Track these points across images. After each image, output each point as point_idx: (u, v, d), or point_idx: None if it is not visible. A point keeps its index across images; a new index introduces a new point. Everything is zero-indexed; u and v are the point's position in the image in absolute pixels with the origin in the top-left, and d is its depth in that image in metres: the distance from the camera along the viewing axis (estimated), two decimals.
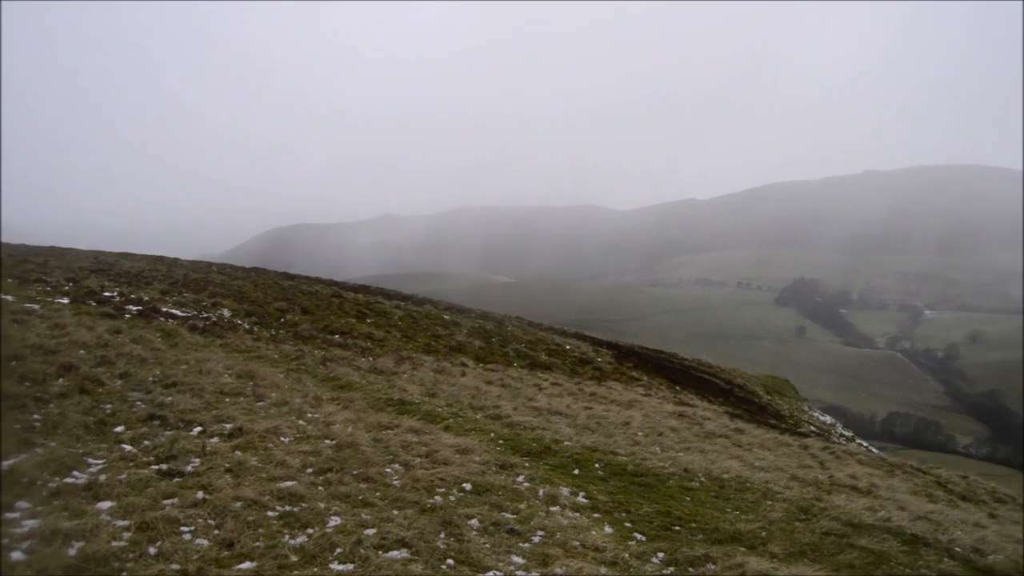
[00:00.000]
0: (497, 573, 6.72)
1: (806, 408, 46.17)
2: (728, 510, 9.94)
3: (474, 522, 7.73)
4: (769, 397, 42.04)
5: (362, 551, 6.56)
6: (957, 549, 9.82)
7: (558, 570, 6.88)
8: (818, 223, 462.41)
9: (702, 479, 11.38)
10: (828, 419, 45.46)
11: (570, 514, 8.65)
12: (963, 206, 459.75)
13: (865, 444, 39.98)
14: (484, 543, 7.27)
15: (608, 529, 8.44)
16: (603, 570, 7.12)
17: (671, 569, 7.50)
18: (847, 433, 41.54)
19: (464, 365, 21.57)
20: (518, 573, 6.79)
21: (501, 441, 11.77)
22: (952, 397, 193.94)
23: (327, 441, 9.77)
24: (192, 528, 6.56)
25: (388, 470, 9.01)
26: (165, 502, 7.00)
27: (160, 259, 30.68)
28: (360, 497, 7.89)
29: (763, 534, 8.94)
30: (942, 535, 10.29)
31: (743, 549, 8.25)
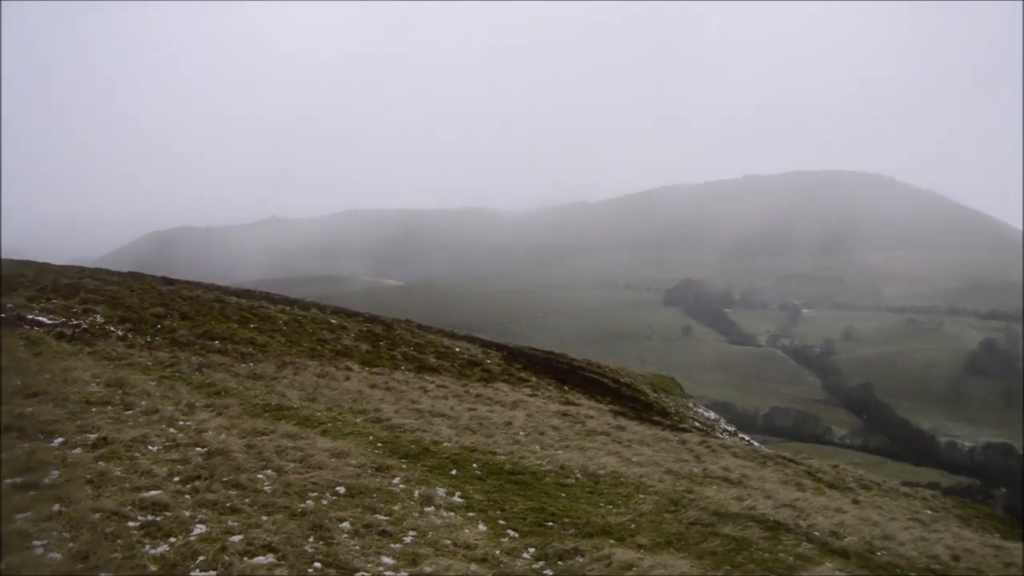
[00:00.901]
0: (365, 574, 6.73)
1: (691, 405, 47.38)
2: (601, 504, 10.20)
3: (345, 525, 7.71)
4: (655, 395, 42.99)
5: (226, 558, 6.47)
6: (816, 533, 10.34)
7: (427, 568, 6.94)
8: (702, 226, 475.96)
9: (578, 475, 11.63)
10: (712, 415, 46.78)
11: (445, 514, 8.72)
12: (840, 210, 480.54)
13: (747, 438, 41.36)
14: (354, 545, 7.27)
15: (482, 527, 8.54)
16: (473, 567, 7.21)
17: (541, 563, 7.65)
18: (730, 428, 42.80)
19: (349, 369, 21.38)
20: (387, 573, 6.82)
21: (380, 444, 11.74)
22: (828, 391, 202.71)
23: (198, 449, 9.55)
24: (45, 542, 6.33)
25: (260, 476, 8.88)
26: (18, 516, 6.73)
27: (27, 264, 29.25)
28: (228, 504, 7.76)
29: (632, 526, 9.21)
30: (803, 521, 10.81)
31: (612, 541, 8.48)
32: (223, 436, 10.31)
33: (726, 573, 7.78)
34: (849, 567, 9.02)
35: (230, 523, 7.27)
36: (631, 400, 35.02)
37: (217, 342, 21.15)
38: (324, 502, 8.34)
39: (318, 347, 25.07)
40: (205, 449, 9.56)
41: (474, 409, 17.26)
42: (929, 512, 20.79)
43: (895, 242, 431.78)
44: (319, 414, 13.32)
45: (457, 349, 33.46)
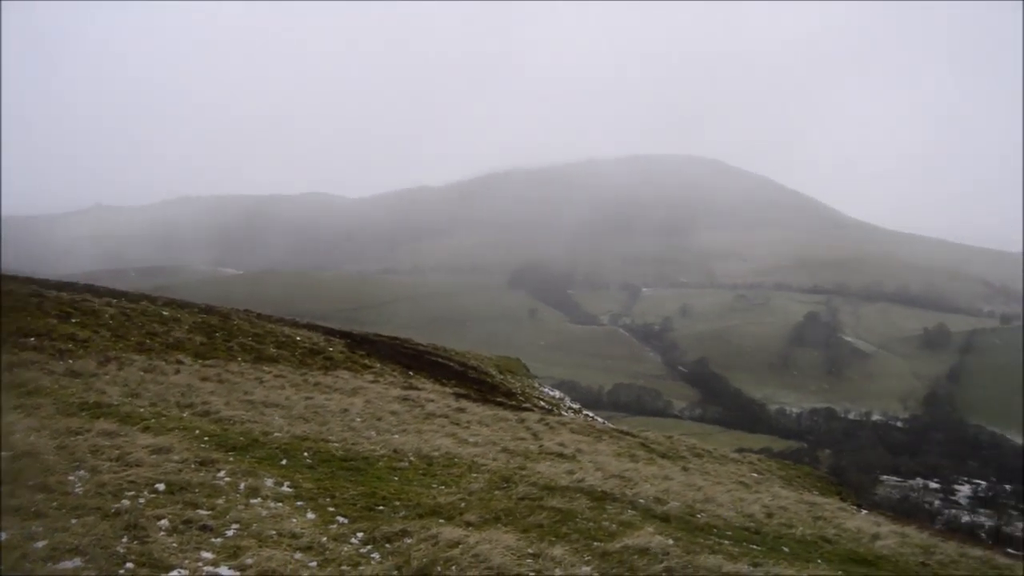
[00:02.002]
0: (182, 571, 6.53)
1: (537, 385, 48.28)
2: (433, 486, 10.27)
3: (163, 522, 7.44)
4: (502, 376, 43.52)
5: (28, 564, 6.12)
6: (641, 501, 10.78)
7: (248, 560, 6.80)
8: (545, 209, 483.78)
9: (412, 458, 11.67)
10: (557, 394, 47.83)
11: (272, 504, 8.55)
12: (678, 193, 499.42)
13: (591, 415, 42.56)
14: (172, 542, 7.03)
15: (310, 515, 8.44)
16: (298, 555, 7.13)
17: (368, 547, 7.65)
18: (575, 406, 43.87)
19: (180, 362, 20.60)
20: (205, 568, 6.64)
21: (207, 438, 11.36)
22: (668, 366, 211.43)
23: (3, 454, 8.96)
24: None
25: (72, 477, 8.43)
26: None
27: None
28: (33, 509, 7.33)
29: (462, 504, 9.33)
30: (629, 490, 11.25)
31: (441, 520, 8.57)
32: (32, 438, 9.71)
33: (548, 543, 8.00)
34: (668, 530, 9.46)
35: (34, 528, 6.87)
36: (477, 382, 35.32)
37: (33, 339, 19.86)
38: (141, 501, 8.01)
39: (147, 341, 23.96)
40: (11, 453, 8.98)
41: (311, 398, 16.99)
42: (755, 475, 22.05)
43: (728, 223, 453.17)
44: (141, 410, 12.75)
45: (298, 338, 32.75)
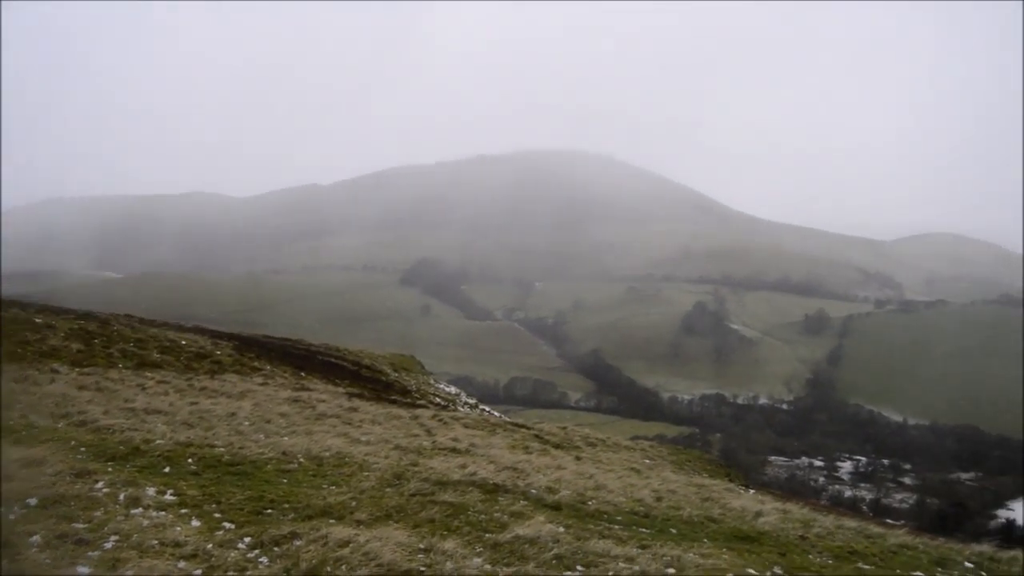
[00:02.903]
0: None
1: (432, 381, 48.16)
2: (323, 486, 10.13)
3: (36, 538, 7.11)
4: (396, 374, 43.23)
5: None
6: (533, 491, 10.90)
7: (128, 572, 6.58)
8: (437, 206, 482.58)
9: (301, 460, 11.48)
10: (453, 389, 47.82)
11: (154, 514, 8.28)
12: (569, 188, 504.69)
13: (487, 409, 42.72)
14: (44, 558, 6.72)
15: (195, 523, 8.20)
16: (181, 564, 6.93)
17: (256, 551, 7.49)
18: (471, 401, 43.93)
19: (55, 371, 19.71)
20: None
21: (83, 448, 10.91)
22: (563, 358, 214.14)
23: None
24: None
25: None
26: None
27: None
28: None
29: (353, 504, 9.24)
30: (522, 481, 11.35)
31: (332, 521, 8.46)
32: None
33: (439, 537, 8.01)
34: (559, 518, 9.59)
35: None
36: (371, 381, 35.02)
37: None
38: (12, 517, 7.63)
39: (19, 350, 22.83)
40: None
41: (196, 403, 16.52)
42: (647, 461, 22.53)
43: (619, 217, 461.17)
44: (12, 423, 12.15)
45: (184, 342, 31.74)
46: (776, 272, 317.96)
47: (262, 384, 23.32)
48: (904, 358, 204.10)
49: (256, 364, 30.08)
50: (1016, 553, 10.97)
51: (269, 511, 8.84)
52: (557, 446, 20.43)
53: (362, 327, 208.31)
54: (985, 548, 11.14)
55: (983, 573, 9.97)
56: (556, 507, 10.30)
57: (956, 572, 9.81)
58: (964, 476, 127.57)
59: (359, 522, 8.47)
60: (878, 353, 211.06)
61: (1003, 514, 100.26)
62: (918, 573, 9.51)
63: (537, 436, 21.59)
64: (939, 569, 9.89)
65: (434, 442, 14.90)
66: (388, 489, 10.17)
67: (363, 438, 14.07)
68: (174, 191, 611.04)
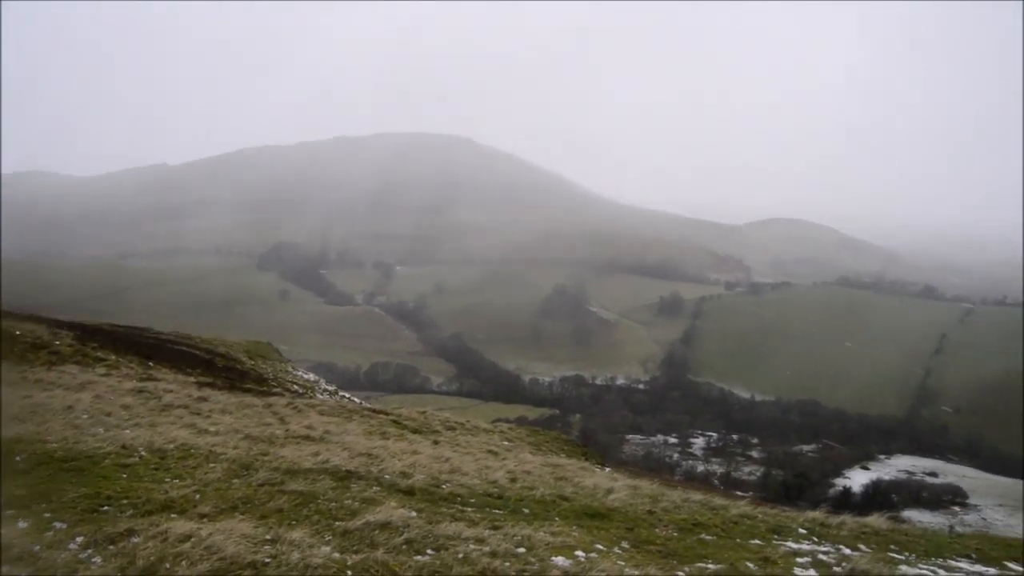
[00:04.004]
0: None
1: (290, 369, 47.24)
2: (166, 480, 9.75)
3: None
4: (252, 362, 42.18)
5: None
6: (386, 477, 10.83)
7: None
8: (295, 188, 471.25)
9: (143, 453, 11.00)
10: (312, 376, 47.07)
11: None
12: (431, 171, 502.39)
13: (348, 395, 42.25)
14: None
15: (21, 524, 7.72)
16: (5, 568, 6.53)
17: (89, 551, 7.13)
18: (330, 388, 43.36)
19: None
20: None
21: None
22: (425, 343, 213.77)
23: None
24: None
25: None
26: None
27: None
28: None
29: (197, 497, 8.93)
30: (375, 467, 11.25)
31: (173, 515, 8.15)
32: None
33: (287, 527, 7.85)
34: (411, 503, 9.57)
35: None
36: (224, 370, 34.02)
37: None
38: None
39: None
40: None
41: (29, 396, 15.56)
42: (506, 443, 22.79)
43: (481, 201, 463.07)
44: None
45: (18, 332, 29.87)
46: (634, 256, 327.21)
47: (105, 375, 22.25)
48: (752, 338, 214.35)
49: (99, 354, 28.64)
50: (845, 518, 11.70)
51: (105, 508, 8.43)
52: (415, 431, 20.40)
53: (217, 314, 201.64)
54: (818, 514, 11.82)
55: (815, 538, 10.56)
56: (409, 492, 10.27)
57: (790, 538, 10.35)
58: (806, 448, 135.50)
59: (203, 515, 8.20)
60: (728, 333, 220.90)
61: (840, 482, 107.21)
62: (756, 541, 9.98)
63: (395, 421, 21.50)
64: (775, 536, 10.41)
65: (287, 430, 14.59)
66: (235, 480, 9.89)
67: (211, 428, 13.63)
68: (10, 170, 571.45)
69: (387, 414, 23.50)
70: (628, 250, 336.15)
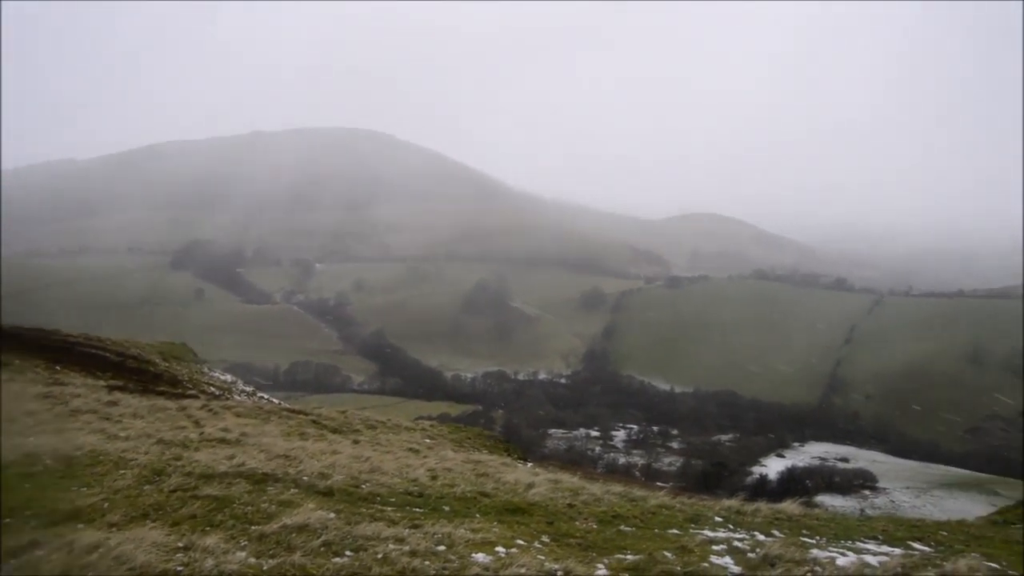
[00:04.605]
0: None
1: (206, 370, 46.29)
2: (73, 488, 9.44)
3: None
4: (167, 364, 41.18)
5: None
6: (304, 478, 10.68)
7: None
8: (209, 184, 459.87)
9: (47, 461, 10.63)
10: (229, 377, 46.17)
11: None
12: (349, 167, 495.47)
13: (266, 396, 41.51)
14: None
15: None
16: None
17: None
18: (248, 389, 42.58)
19: None
20: None
21: None
22: (345, 341, 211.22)
23: None
24: None
25: None
26: None
27: None
28: None
29: (105, 505, 8.68)
30: (293, 469, 11.09)
31: (80, 525, 7.90)
32: None
33: (200, 533, 7.68)
34: (330, 504, 9.47)
35: None
36: (137, 372, 33.11)
37: None
38: None
39: None
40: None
41: None
42: (427, 441, 22.73)
43: (400, 196, 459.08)
44: None
45: None
46: (555, 250, 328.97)
47: (8, 380, 21.40)
48: (671, 330, 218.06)
49: (2, 358, 27.55)
50: (760, 505, 12.00)
51: (7, 520, 8.12)
52: (335, 431, 20.19)
53: (130, 315, 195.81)
54: (733, 503, 12.11)
55: (731, 525, 10.81)
56: (328, 493, 10.15)
57: (707, 527, 10.57)
58: (724, 438, 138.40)
59: (112, 524, 7.96)
60: (648, 327, 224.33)
61: (757, 470, 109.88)
62: (674, 530, 10.16)
63: (315, 421, 21.24)
64: (692, 525, 10.62)
65: (202, 434, 14.27)
66: (147, 487, 9.62)
67: (122, 433, 13.24)
68: None
69: (306, 414, 23.20)
70: (549, 245, 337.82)
